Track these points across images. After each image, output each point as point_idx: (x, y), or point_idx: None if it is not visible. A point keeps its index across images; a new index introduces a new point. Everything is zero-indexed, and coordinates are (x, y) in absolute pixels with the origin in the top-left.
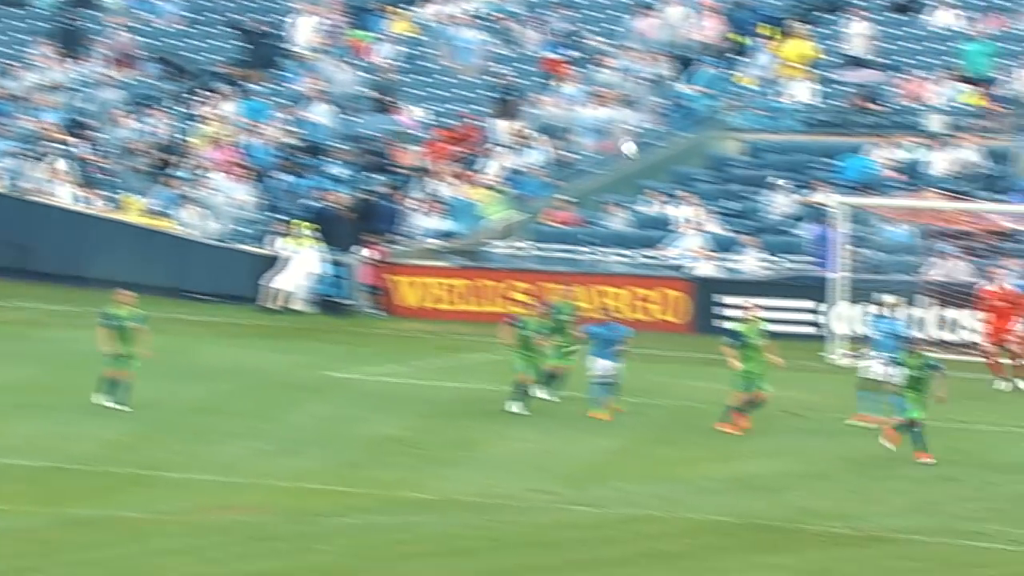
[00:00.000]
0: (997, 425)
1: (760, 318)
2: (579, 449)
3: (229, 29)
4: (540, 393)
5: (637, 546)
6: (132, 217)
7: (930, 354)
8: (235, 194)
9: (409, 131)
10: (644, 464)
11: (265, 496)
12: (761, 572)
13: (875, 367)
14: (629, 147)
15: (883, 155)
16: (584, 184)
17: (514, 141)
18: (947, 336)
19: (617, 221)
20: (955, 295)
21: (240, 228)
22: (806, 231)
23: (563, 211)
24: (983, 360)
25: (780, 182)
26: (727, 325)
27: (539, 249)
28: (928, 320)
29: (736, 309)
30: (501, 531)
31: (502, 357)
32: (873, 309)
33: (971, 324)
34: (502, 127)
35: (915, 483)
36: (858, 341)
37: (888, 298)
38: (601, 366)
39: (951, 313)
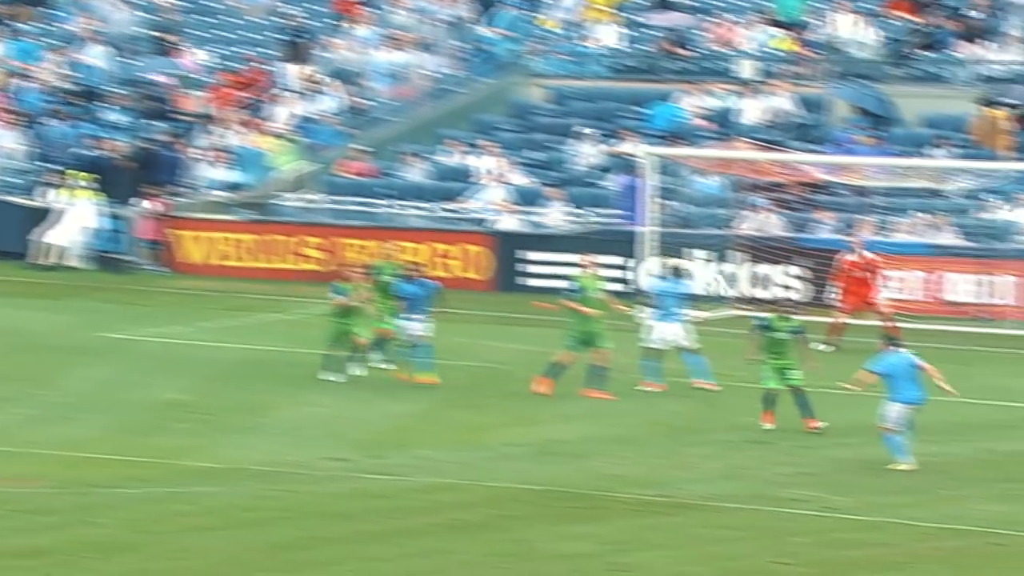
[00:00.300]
0: (810, 387)
1: (597, 273)
2: (375, 414)
3: None
4: (374, 358)
5: (436, 516)
6: None
7: (797, 317)
8: (3, 142)
9: (192, 75)
10: (444, 430)
11: (37, 466)
12: (567, 542)
13: (657, 332)
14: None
15: (693, 103)
16: (380, 133)
17: (305, 87)
18: (760, 292)
19: (415, 172)
20: (767, 250)
21: (9, 179)
22: (613, 183)
23: (358, 161)
24: (827, 322)
25: (586, 131)
26: (568, 277)
27: (333, 202)
28: (740, 276)
29: (542, 265)
30: (292, 501)
31: (294, 317)
32: (656, 270)
33: (783, 280)
34: (292, 72)
35: (726, 447)
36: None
37: (673, 258)
38: (414, 327)
39: (763, 269)
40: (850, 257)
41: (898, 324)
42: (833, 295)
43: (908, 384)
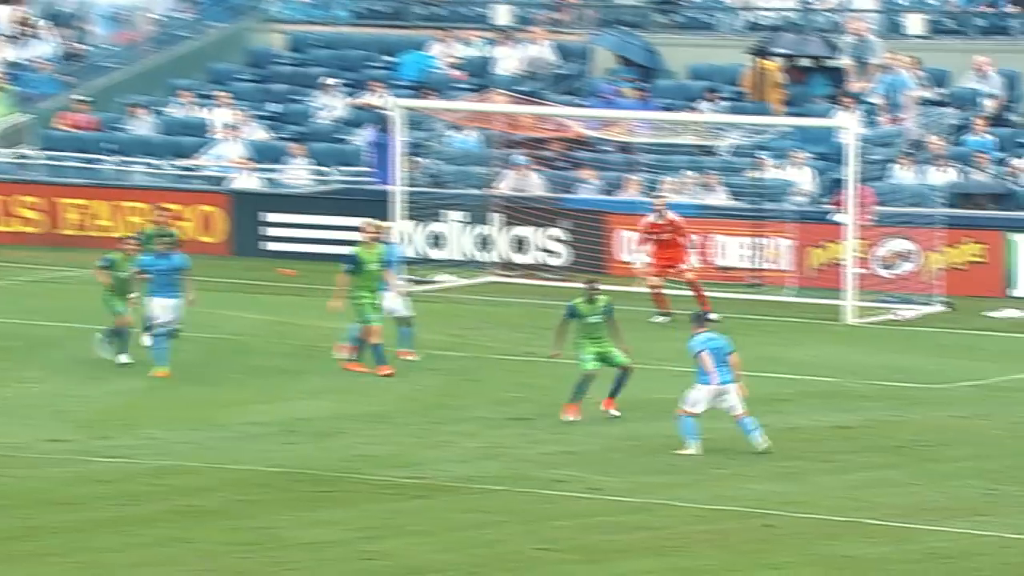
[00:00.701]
0: (572, 360)
1: (381, 241)
2: (100, 391)
3: None
4: (145, 339)
5: (169, 502)
6: None
7: (603, 297)
8: None
9: None
10: (177, 408)
11: None
12: (314, 529)
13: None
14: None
15: (445, 51)
16: (102, 82)
17: (16, 30)
18: (519, 257)
19: (142, 125)
20: (527, 211)
21: None
22: (360, 138)
23: (77, 113)
24: (649, 293)
25: (330, 81)
26: (348, 248)
27: (49, 158)
28: (498, 239)
29: (283, 227)
30: (10, 488)
31: (6, 284)
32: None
33: (544, 243)
34: (1, 13)
35: (485, 425)
36: (420, 264)
37: (378, 220)
38: (160, 306)
39: (523, 231)
40: (651, 218)
41: (705, 294)
42: (638, 260)
43: (718, 367)
